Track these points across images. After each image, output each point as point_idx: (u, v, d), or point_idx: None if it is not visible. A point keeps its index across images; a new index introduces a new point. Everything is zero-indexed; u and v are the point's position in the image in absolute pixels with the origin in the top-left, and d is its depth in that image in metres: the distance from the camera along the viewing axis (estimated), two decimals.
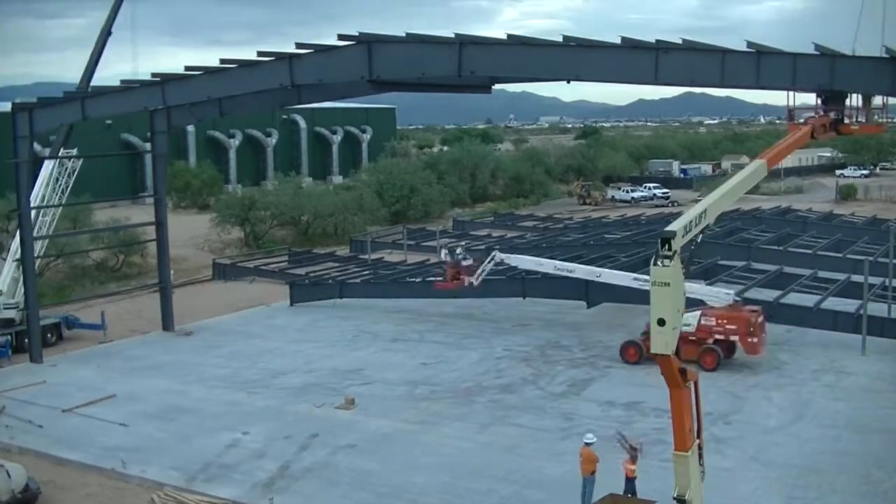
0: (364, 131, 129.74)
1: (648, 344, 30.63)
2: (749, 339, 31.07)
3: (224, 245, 64.50)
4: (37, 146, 70.93)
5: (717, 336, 31.38)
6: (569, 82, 26.43)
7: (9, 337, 35.71)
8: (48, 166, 39.61)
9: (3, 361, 34.57)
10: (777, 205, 74.41)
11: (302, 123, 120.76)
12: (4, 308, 37.01)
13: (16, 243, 37.40)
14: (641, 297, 37.49)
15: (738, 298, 32.79)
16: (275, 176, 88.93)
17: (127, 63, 41.24)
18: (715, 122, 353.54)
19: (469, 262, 36.68)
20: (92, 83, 38.17)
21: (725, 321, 31.31)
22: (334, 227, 67.67)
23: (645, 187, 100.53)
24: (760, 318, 31.65)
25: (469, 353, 34.21)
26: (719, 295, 32.45)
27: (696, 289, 32.55)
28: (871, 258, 38.06)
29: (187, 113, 38.21)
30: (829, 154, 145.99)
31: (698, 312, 31.63)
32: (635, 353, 32.34)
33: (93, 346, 36.95)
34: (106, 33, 39.82)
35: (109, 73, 39.30)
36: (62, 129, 39.36)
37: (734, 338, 31.38)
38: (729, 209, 30.99)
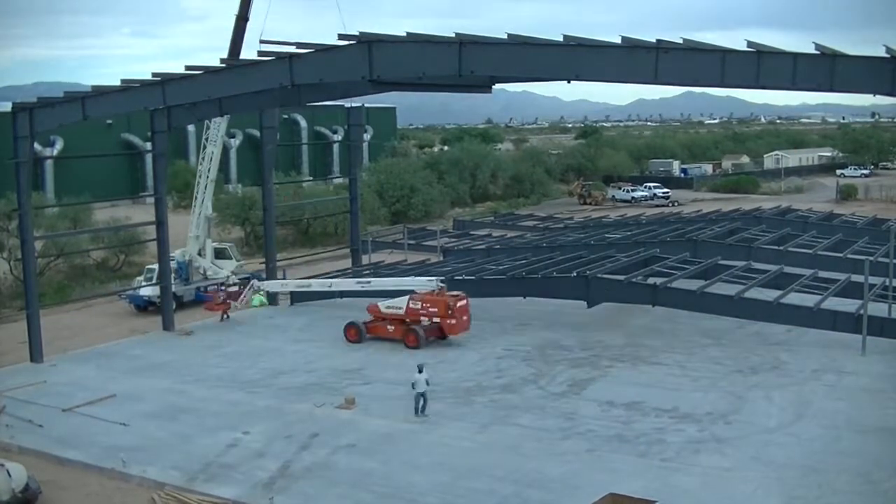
0: (365, 131, 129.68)
1: (370, 325, 35.76)
2: (448, 321, 34.86)
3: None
4: (37, 146, 71.11)
5: (424, 318, 35.14)
6: (569, 82, 26.38)
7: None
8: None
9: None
10: (777, 205, 74.38)
11: (302, 123, 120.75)
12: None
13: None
14: (642, 296, 37.76)
15: (442, 285, 36.31)
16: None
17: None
18: (715, 121, 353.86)
19: (235, 288, 40.95)
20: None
21: (429, 305, 35.03)
22: (334, 227, 67.63)
23: (645, 187, 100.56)
24: (461, 303, 35.24)
25: (469, 353, 34.23)
26: (426, 283, 36.42)
27: (408, 281, 37.79)
28: (871, 258, 38.02)
29: (187, 113, 38.25)
30: (829, 154, 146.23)
31: (407, 297, 35.66)
32: (356, 333, 36.12)
33: (93, 346, 36.99)
34: (243, 19, 42.66)
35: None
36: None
37: (437, 319, 34.94)
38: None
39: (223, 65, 31.96)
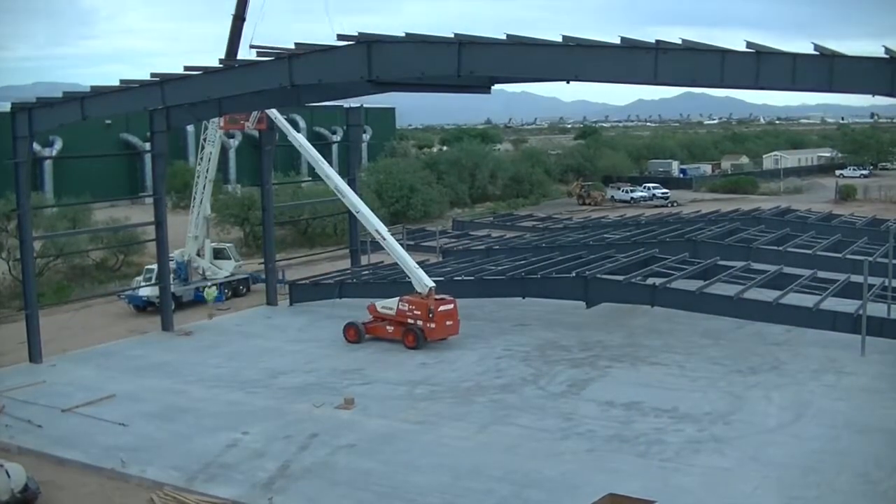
0: (364, 131, 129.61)
1: (369, 325, 35.66)
2: (428, 325, 34.81)
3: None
4: (36, 146, 71.06)
5: (409, 320, 35.22)
6: (569, 82, 26.35)
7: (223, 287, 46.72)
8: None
9: (220, 305, 44.79)
10: (776, 205, 74.39)
11: (302, 123, 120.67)
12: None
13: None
14: (641, 296, 37.76)
15: (432, 285, 35.90)
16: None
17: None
18: (714, 122, 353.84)
19: None
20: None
21: (414, 307, 35.15)
22: (333, 228, 67.59)
23: (644, 187, 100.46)
24: (444, 307, 35.14)
25: (469, 353, 34.23)
26: (422, 279, 35.95)
27: (412, 265, 36.50)
28: (870, 258, 38.11)
29: (187, 113, 38.20)
30: (828, 154, 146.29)
31: (397, 298, 35.86)
32: (355, 333, 36.14)
33: (92, 346, 36.98)
34: (239, 19, 42.38)
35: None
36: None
37: (420, 322, 34.93)
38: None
39: (222, 65, 31.93)
